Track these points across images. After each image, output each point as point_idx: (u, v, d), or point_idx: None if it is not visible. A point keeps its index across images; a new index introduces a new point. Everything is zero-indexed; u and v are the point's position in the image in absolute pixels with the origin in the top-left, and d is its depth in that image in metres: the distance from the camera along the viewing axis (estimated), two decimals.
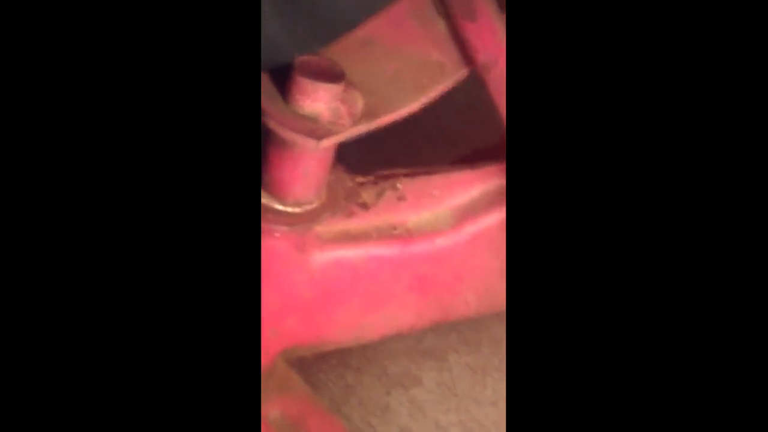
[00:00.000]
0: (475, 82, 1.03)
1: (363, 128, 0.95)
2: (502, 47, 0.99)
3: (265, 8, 0.96)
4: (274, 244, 0.99)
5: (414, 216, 1.09)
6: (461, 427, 1.20)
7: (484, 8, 0.99)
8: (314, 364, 1.20)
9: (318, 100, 0.93)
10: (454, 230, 1.10)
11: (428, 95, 0.99)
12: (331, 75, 0.93)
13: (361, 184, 1.05)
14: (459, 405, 1.23)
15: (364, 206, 1.04)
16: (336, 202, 1.02)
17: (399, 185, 1.06)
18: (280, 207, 0.98)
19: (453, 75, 1.02)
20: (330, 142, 0.94)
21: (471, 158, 1.15)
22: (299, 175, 0.97)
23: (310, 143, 0.93)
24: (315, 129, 0.93)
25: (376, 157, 1.10)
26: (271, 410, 1.09)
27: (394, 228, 1.08)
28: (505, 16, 0.99)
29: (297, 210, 0.99)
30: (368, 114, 0.96)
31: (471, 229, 1.10)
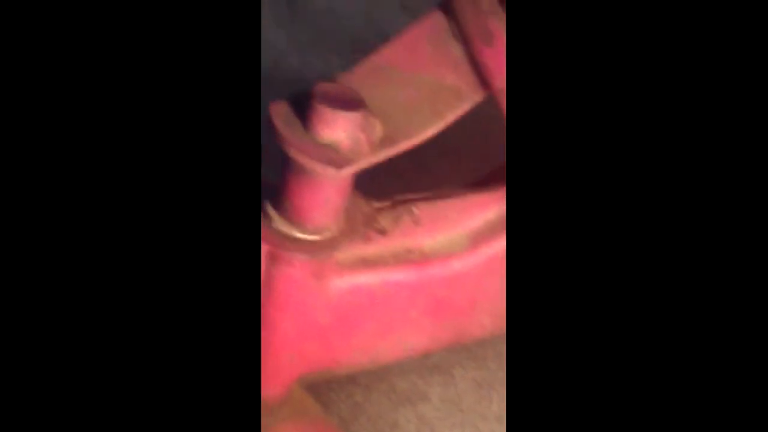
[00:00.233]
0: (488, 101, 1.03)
1: (382, 156, 0.95)
2: None
3: (267, 16, 0.96)
4: (292, 273, 0.98)
5: (429, 240, 1.09)
6: None
7: (500, 32, 0.98)
8: (323, 383, 1.19)
9: (338, 128, 0.93)
10: (470, 253, 1.10)
11: (445, 120, 0.99)
12: (351, 103, 0.93)
13: (379, 209, 1.04)
14: (464, 420, 1.23)
15: (382, 232, 1.04)
16: (354, 229, 1.01)
17: (415, 209, 1.06)
18: (299, 234, 0.98)
19: (469, 99, 1.01)
20: (350, 171, 0.93)
21: (486, 180, 1.15)
22: (319, 203, 0.96)
23: (331, 172, 0.92)
24: (335, 158, 0.92)
25: (387, 175, 1.10)
26: None
27: (410, 252, 1.08)
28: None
29: (316, 237, 0.98)
30: (387, 141, 0.95)
31: (487, 251, 1.10)
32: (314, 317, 1.04)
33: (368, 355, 1.13)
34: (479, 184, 1.15)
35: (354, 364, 1.14)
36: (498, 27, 0.98)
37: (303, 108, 0.94)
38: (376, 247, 1.05)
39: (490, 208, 1.10)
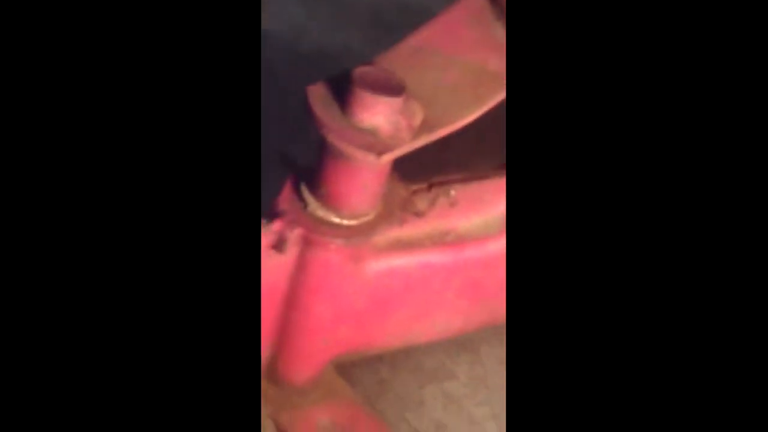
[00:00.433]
0: None
1: (422, 141, 0.93)
2: None
3: None
4: (329, 257, 0.97)
5: (465, 222, 1.08)
6: (495, 421, 1.20)
7: None
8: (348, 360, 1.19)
9: (378, 113, 0.91)
10: (504, 234, 1.09)
11: (486, 105, 0.97)
12: (391, 87, 0.91)
13: (415, 192, 1.03)
14: (491, 397, 1.22)
15: (419, 214, 1.02)
16: (391, 212, 1.00)
17: (452, 191, 1.04)
18: (336, 220, 0.96)
19: None
20: (390, 157, 0.91)
21: None
22: (357, 189, 0.95)
23: (371, 158, 0.91)
24: (375, 144, 0.91)
25: (423, 158, 1.09)
26: (320, 417, 1.09)
27: (446, 234, 1.07)
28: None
29: (353, 222, 0.97)
30: (427, 126, 0.93)
31: None
32: (350, 301, 1.03)
33: (402, 337, 1.12)
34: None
35: (388, 346, 1.13)
36: None
37: (341, 91, 0.92)
38: (412, 230, 1.04)
39: None
